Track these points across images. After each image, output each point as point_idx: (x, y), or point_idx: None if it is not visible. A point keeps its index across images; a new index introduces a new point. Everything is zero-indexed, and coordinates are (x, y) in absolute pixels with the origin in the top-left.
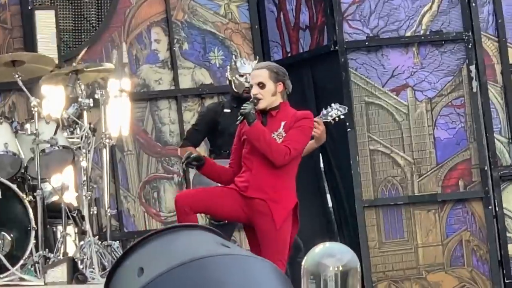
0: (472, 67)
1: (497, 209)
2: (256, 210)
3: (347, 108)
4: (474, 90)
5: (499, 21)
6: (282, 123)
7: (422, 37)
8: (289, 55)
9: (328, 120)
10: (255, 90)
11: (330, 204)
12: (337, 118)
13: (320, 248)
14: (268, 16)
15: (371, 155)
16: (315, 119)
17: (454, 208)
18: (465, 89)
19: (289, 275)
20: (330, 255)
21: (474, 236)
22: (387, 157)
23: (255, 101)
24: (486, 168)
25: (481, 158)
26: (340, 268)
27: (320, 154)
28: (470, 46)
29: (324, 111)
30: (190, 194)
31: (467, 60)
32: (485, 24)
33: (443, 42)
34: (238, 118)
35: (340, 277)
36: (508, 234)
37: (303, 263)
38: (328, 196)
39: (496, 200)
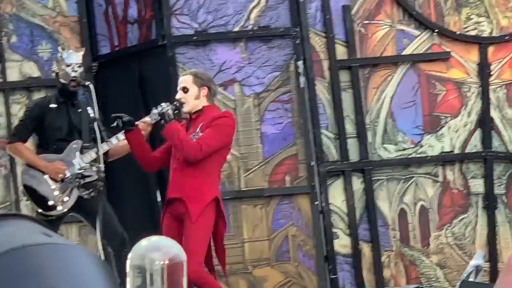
0: (300, 63)
1: (323, 204)
2: (179, 213)
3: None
4: (302, 85)
5: (327, 17)
6: (200, 124)
7: (250, 32)
8: (117, 49)
9: (158, 119)
10: (179, 95)
11: (158, 198)
12: (167, 117)
13: (146, 242)
14: (96, 9)
15: None
16: (144, 119)
17: (281, 203)
18: (292, 84)
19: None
20: (156, 248)
21: (300, 231)
22: None
23: (177, 104)
24: (312, 164)
25: (307, 154)
26: (167, 262)
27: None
28: (298, 42)
29: (154, 110)
30: None
31: (294, 56)
32: (313, 20)
33: (271, 38)
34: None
35: (167, 271)
36: (334, 230)
37: (129, 256)
38: (157, 191)
39: (322, 196)
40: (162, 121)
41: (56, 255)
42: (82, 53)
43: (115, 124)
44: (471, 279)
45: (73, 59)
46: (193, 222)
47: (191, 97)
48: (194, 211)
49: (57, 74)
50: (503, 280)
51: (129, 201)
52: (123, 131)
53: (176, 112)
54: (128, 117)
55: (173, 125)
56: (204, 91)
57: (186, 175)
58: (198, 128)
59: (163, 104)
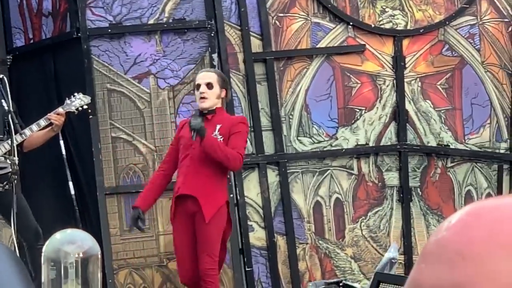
0: (215, 56)
1: (238, 197)
2: (191, 210)
3: (90, 98)
4: None
5: (242, 10)
6: (218, 126)
7: (165, 25)
8: (32, 41)
9: (72, 110)
10: (203, 89)
11: (72, 191)
12: (80, 108)
13: (61, 235)
14: (11, 2)
15: (113, 142)
16: (57, 110)
17: None
18: None
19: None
20: (70, 242)
21: None
22: (129, 145)
23: (199, 113)
24: None
25: None
26: (81, 255)
27: (62, 141)
28: (212, 35)
29: (68, 101)
30: (184, 269)
31: (209, 49)
32: (228, 12)
33: (186, 30)
34: (192, 134)
35: (81, 264)
36: (249, 223)
37: (43, 249)
38: (70, 183)
39: (237, 189)
40: (195, 132)
41: None
42: None
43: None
44: (385, 272)
45: None
46: (207, 224)
47: (214, 95)
48: (208, 212)
49: None
50: (415, 268)
51: (43, 194)
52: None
53: (194, 116)
54: (142, 217)
55: (212, 138)
56: (223, 93)
57: (200, 175)
58: (216, 131)
59: (76, 94)
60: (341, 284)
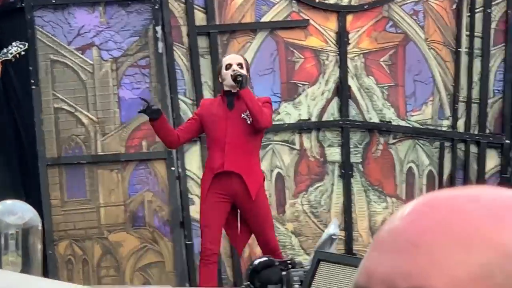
0: (158, 28)
1: (180, 170)
2: (232, 188)
3: (27, 44)
4: (160, 51)
5: None
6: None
7: None
8: None
9: (9, 58)
10: (235, 67)
11: (14, 161)
12: (17, 55)
13: (1, 206)
14: None
15: (56, 113)
16: None
17: (137, 168)
18: (151, 49)
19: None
20: (11, 213)
21: (156, 196)
22: (72, 116)
23: (239, 75)
24: None
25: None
26: (22, 226)
27: (4, 110)
28: (156, 7)
29: (4, 50)
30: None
31: (153, 21)
32: None
33: (130, 2)
34: (237, 81)
35: (21, 235)
36: (190, 196)
37: None
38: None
39: (179, 162)
40: (239, 80)
41: None
42: None
43: (141, 107)
44: (326, 249)
45: None
46: (253, 201)
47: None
48: (253, 189)
49: None
50: (367, 256)
51: None
52: (149, 118)
53: (239, 80)
54: (156, 107)
55: (250, 91)
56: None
57: (243, 151)
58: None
59: (14, 43)
60: (289, 261)
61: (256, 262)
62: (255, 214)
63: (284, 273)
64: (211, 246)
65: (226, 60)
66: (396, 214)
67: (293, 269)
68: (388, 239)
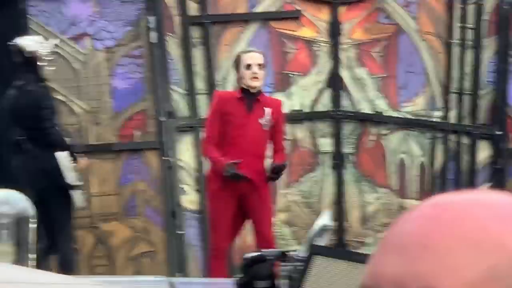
0: (152, 18)
1: (172, 160)
2: (242, 190)
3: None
4: (153, 41)
5: None
6: (267, 110)
7: None
8: None
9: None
10: (255, 69)
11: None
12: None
13: None
14: None
15: None
16: None
17: (130, 158)
18: (144, 39)
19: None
20: (3, 202)
21: (148, 186)
22: (64, 105)
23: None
24: (162, 119)
25: (157, 109)
26: (15, 216)
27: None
28: None
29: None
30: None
31: (146, 11)
32: None
33: None
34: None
35: (14, 224)
36: (182, 185)
37: None
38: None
39: (171, 151)
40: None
41: None
42: None
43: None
44: (318, 241)
45: None
46: (261, 202)
47: (263, 76)
48: (263, 192)
49: None
50: (375, 258)
51: None
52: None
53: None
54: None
55: (282, 163)
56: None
57: (255, 156)
58: (267, 115)
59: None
60: (281, 256)
61: (248, 256)
62: (262, 212)
63: (275, 268)
64: (223, 244)
65: (246, 58)
66: (405, 216)
67: (285, 264)
68: (397, 240)
